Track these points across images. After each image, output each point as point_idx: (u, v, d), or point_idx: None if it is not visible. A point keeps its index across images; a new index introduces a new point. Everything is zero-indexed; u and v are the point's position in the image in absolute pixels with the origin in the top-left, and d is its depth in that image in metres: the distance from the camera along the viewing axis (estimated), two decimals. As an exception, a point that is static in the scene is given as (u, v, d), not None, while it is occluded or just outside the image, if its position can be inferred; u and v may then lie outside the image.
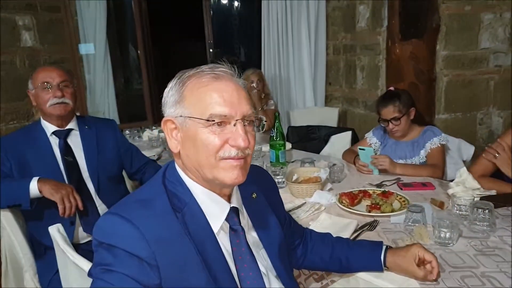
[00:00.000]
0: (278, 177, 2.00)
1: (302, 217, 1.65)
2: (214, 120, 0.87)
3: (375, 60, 3.28)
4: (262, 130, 0.99)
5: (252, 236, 1.02)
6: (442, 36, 2.93)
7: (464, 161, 2.39)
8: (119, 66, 4.63)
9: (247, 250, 0.96)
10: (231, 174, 0.90)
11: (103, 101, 4.09)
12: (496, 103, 3.11)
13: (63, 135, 1.90)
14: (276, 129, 2.29)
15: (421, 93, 3.03)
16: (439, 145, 2.15)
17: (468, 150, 2.37)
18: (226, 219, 0.95)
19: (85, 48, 4.00)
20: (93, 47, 3.98)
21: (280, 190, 1.95)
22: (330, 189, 1.95)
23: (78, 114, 2.06)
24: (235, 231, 0.96)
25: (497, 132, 3.17)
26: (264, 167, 2.15)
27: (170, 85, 0.95)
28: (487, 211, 1.47)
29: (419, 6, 2.89)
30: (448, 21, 2.91)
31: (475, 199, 1.68)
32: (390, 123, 2.19)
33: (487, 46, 2.99)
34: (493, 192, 1.74)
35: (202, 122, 0.87)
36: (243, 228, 0.97)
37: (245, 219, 1.02)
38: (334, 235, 1.46)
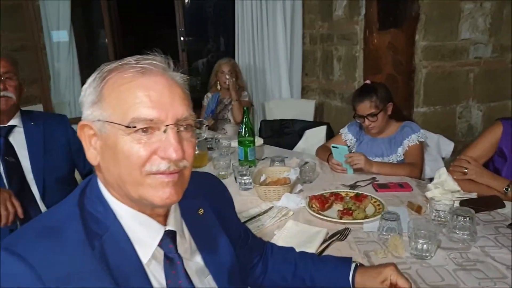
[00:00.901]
0: (245, 177, 1.83)
1: (267, 224, 1.49)
2: (136, 126, 0.69)
3: (353, 51, 3.13)
4: (204, 136, 0.81)
5: (195, 262, 0.85)
6: (422, 25, 2.79)
7: (443, 158, 2.27)
8: (86, 54, 4.36)
9: (185, 282, 0.79)
10: (162, 192, 0.73)
11: (69, 92, 3.83)
12: (476, 96, 3.01)
13: (3, 133, 1.72)
14: (245, 125, 2.12)
15: (400, 85, 2.90)
16: (417, 142, 2.03)
17: (448, 146, 2.26)
18: (160, 245, 0.78)
19: (57, 36, 3.73)
20: (67, 34, 3.71)
21: (246, 193, 1.84)
22: (301, 191, 1.80)
23: (23, 109, 1.86)
24: (171, 260, 0.79)
25: (476, 126, 3.08)
26: (231, 166, 1.99)
27: (89, 80, 0.76)
28: (467, 218, 1.35)
29: (397, -6, 2.74)
30: (427, 10, 2.77)
31: (455, 203, 1.56)
32: (366, 119, 2.05)
33: (467, 37, 2.87)
34: (474, 195, 1.63)
35: (123, 128, 0.70)
36: (180, 256, 0.80)
37: (187, 242, 0.85)
38: (301, 246, 1.32)
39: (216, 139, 2.52)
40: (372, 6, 2.79)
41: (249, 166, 1.94)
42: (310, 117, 3.50)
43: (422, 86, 2.91)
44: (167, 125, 0.71)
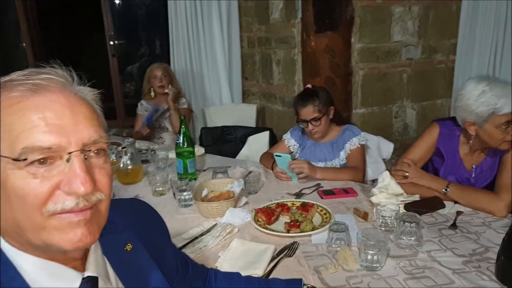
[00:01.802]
0: (184, 193, 1.70)
1: (210, 245, 1.38)
2: (26, 159, 0.55)
3: (291, 54, 3.11)
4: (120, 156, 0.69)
5: (123, 308, 0.72)
6: (357, 28, 2.84)
7: (384, 159, 2.30)
8: (2, 63, 3.94)
9: None
10: (71, 235, 0.59)
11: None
12: (410, 96, 3.12)
13: None
14: (183, 134, 1.98)
15: (338, 87, 2.92)
16: (359, 146, 2.03)
17: (388, 147, 2.29)
18: None
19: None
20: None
21: (187, 210, 1.71)
22: (246, 203, 1.71)
23: None
24: (90, 312, 0.65)
25: (412, 125, 3.19)
26: (169, 182, 1.84)
27: None
28: (413, 224, 1.34)
29: (332, -3, 2.76)
30: (361, 13, 2.82)
31: (400, 206, 1.55)
32: (309, 124, 2.02)
33: (398, 39, 2.97)
34: (416, 197, 1.64)
35: (11, 162, 0.55)
36: None
37: (112, 287, 0.72)
38: (248, 267, 1.23)
39: (152, 150, 2.35)
40: (308, 9, 2.78)
41: (190, 180, 1.81)
42: (252, 122, 3.43)
43: (360, 87, 2.96)
44: (70, 153, 0.58)
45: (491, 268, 1.18)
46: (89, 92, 0.66)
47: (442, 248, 1.31)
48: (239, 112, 3.48)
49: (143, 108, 3.05)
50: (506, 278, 1.10)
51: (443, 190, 1.62)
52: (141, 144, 2.53)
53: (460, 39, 3.01)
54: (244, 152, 2.63)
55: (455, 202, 1.61)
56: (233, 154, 2.57)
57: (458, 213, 1.54)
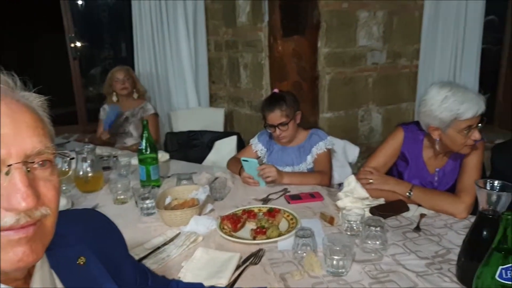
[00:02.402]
0: (147, 201, 1.64)
1: (173, 255, 1.33)
2: None
3: (258, 58, 3.10)
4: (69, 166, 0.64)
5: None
6: (323, 33, 2.85)
7: (350, 163, 2.32)
8: None
9: None
10: (11, 254, 0.54)
11: None
12: (375, 100, 3.17)
13: None
14: (146, 140, 1.92)
15: (305, 92, 2.93)
16: (325, 150, 2.03)
17: (354, 151, 2.31)
18: None
19: None
20: None
21: (149, 219, 1.64)
22: (211, 210, 1.66)
23: None
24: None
25: (377, 128, 3.24)
26: (130, 190, 1.77)
27: None
28: (378, 228, 1.34)
29: (299, 1, 2.76)
30: (327, 18, 2.84)
31: (365, 210, 1.56)
32: (277, 129, 2.00)
33: (364, 44, 3.01)
34: (382, 201, 1.65)
35: None
36: None
37: None
38: (212, 277, 1.19)
39: (114, 156, 2.26)
40: (275, 13, 2.78)
41: (153, 187, 1.75)
42: (220, 126, 3.39)
43: (326, 92, 2.97)
44: (9, 165, 0.53)
45: (452, 269, 1.20)
46: (34, 99, 0.61)
47: (406, 251, 1.32)
48: (207, 116, 3.43)
49: (106, 113, 2.95)
50: (466, 279, 1.11)
51: (407, 193, 1.63)
52: (103, 150, 2.44)
53: (423, 44, 3.09)
54: (211, 157, 2.58)
55: (419, 205, 1.63)
56: (200, 159, 2.52)
57: (422, 215, 1.56)
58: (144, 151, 1.90)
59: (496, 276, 0.82)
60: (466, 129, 1.51)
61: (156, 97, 3.46)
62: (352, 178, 1.69)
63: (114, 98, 2.97)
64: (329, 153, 2.07)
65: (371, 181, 1.70)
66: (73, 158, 1.81)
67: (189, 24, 3.38)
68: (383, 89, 3.17)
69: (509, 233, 0.82)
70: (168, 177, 2.10)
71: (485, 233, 1.07)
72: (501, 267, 0.82)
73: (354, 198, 1.62)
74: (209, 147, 2.71)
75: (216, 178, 1.96)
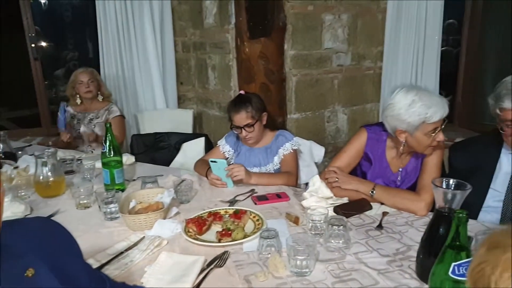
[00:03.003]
0: (111, 205, 1.61)
1: (137, 260, 1.31)
2: None
3: (226, 59, 3.09)
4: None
5: None
6: (289, 35, 2.89)
7: (316, 163, 2.35)
8: None
9: None
10: None
11: None
12: (341, 101, 3.23)
13: None
14: (109, 143, 1.88)
15: (273, 93, 2.95)
16: (292, 151, 2.05)
17: (319, 151, 2.35)
18: None
19: None
20: None
21: (113, 223, 1.61)
22: (177, 214, 1.64)
23: None
24: None
25: (343, 129, 3.31)
26: (94, 194, 1.73)
27: None
28: (341, 227, 1.36)
29: (265, 4, 2.78)
30: (293, 20, 2.87)
31: (329, 210, 1.58)
32: (243, 130, 2.01)
33: (329, 46, 3.06)
34: (345, 200, 1.68)
35: None
36: None
37: None
38: (176, 281, 1.18)
39: (78, 160, 2.20)
40: (241, 15, 2.78)
41: (117, 191, 1.71)
42: (189, 127, 3.36)
43: (293, 93, 3.01)
44: None
45: (412, 266, 1.23)
46: None
47: (368, 249, 1.35)
48: (175, 117, 3.39)
49: (69, 115, 2.87)
50: (425, 275, 1.15)
51: (370, 192, 1.67)
52: (66, 154, 2.37)
53: (386, 47, 3.18)
54: (178, 159, 2.56)
55: (382, 204, 1.68)
56: (167, 162, 2.49)
57: (384, 213, 1.60)
58: (107, 154, 1.86)
59: (449, 273, 0.85)
60: (432, 131, 1.56)
61: (122, 99, 3.39)
62: (316, 178, 1.71)
63: (78, 101, 2.89)
64: (296, 153, 2.09)
65: (336, 179, 1.73)
66: (17, 167, 1.75)
67: (155, 25, 3.33)
68: (348, 90, 3.24)
69: (461, 231, 0.86)
70: (134, 180, 2.06)
71: (441, 230, 1.11)
72: (453, 263, 0.85)
73: (318, 198, 1.65)
74: (176, 149, 2.69)
75: (182, 181, 1.94)
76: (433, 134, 1.57)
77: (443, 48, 3.16)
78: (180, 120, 3.37)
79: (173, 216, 1.62)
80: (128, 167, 2.20)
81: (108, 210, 1.60)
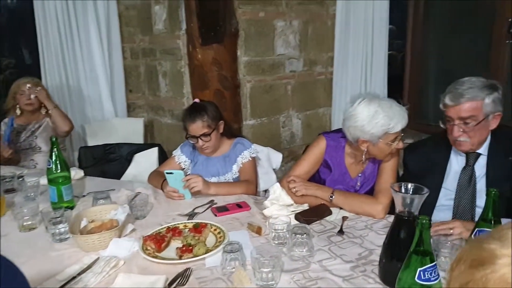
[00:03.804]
0: (59, 226, 1.49)
1: (92, 284, 1.21)
2: None
3: (177, 66, 3.02)
4: None
5: None
6: (242, 41, 2.87)
7: (274, 169, 2.34)
8: None
9: None
10: None
11: None
12: (294, 106, 3.27)
13: None
14: (56, 157, 1.75)
15: (227, 100, 2.92)
16: (250, 158, 2.03)
17: (277, 157, 2.34)
18: None
19: None
20: None
21: (63, 245, 1.48)
22: (133, 230, 1.56)
23: None
24: None
25: (298, 133, 3.34)
26: (40, 214, 1.60)
27: None
28: (305, 235, 1.35)
29: (216, 10, 2.74)
30: (246, 27, 2.87)
31: (291, 218, 1.57)
32: (199, 140, 1.95)
33: (282, 52, 3.09)
34: (306, 206, 1.68)
35: None
36: None
37: None
38: (137, 304, 1.11)
39: (19, 177, 2.03)
40: (192, 21, 2.73)
41: (65, 209, 1.60)
42: (139, 137, 3.24)
43: (248, 99, 3.00)
44: None
45: (375, 270, 1.25)
46: None
47: (332, 256, 1.35)
48: (125, 127, 3.26)
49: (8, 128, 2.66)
50: (388, 279, 1.16)
51: (329, 197, 1.69)
52: (5, 171, 2.18)
53: (336, 52, 3.25)
54: (130, 171, 2.45)
55: (341, 208, 1.69)
56: (118, 174, 2.37)
57: (344, 218, 1.62)
58: (54, 169, 1.73)
59: (416, 278, 0.86)
60: (393, 141, 1.61)
61: (67, 109, 3.19)
62: (277, 186, 1.70)
63: (18, 112, 2.69)
64: (254, 161, 2.07)
65: (294, 189, 1.73)
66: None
67: (101, 32, 3.19)
68: (301, 96, 3.28)
69: (424, 236, 0.87)
70: (84, 196, 1.94)
71: (402, 234, 1.13)
72: (419, 269, 0.86)
73: (280, 206, 1.64)
74: (128, 161, 2.57)
75: (136, 195, 1.85)
76: (394, 143, 1.61)
77: (388, 53, 3.29)
78: (130, 130, 3.25)
79: (129, 233, 1.53)
80: (76, 182, 2.07)
81: (57, 231, 1.48)
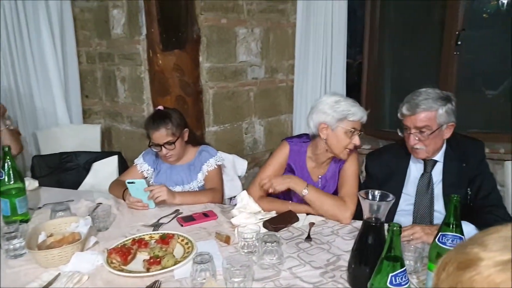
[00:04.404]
0: (14, 241, 1.40)
1: (53, 303, 1.15)
2: None
3: (137, 71, 2.94)
4: None
5: None
6: (204, 47, 2.86)
7: (239, 176, 2.34)
8: None
9: None
10: None
11: None
12: (257, 113, 3.29)
13: None
14: (9, 168, 1.64)
15: (189, 106, 2.88)
16: (216, 166, 2.01)
17: (242, 165, 2.34)
18: None
19: None
20: None
21: (18, 262, 1.38)
22: (96, 243, 1.49)
23: None
24: None
25: (260, 140, 3.36)
26: (-8, 229, 1.49)
27: None
28: (274, 243, 1.36)
29: (178, 15, 2.71)
30: (207, 33, 2.85)
31: (260, 225, 1.57)
32: (163, 148, 1.91)
33: (244, 59, 3.10)
34: (274, 213, 1.69)
35: None
36: None
37: None
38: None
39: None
40: (153, 26, 2.67)
41: (20, 223, 1.50)
42: (96, 144, 3.12)
43: (211, 106, 2.98)
44: None
45: (344, 276, 1.28)
46: None
47: (301, 263, 1.37)
48: (81, 133, 3.12)
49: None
50: (357, 284, 1.19)
51: (304, 190, 1.68)
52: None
53: (297, 60, 3.32)
54: (88, 181, 2.35)
55: (307, 214, 1.72)
56: (76, 184, 2.27)
57: (311, 224, 1.64)
58: (6, 181, 1.62)
59: (388, 283, 0.89)
60: (351, 130, 1.66)
61: (17, 116, 3.01)
62: (244, 193, 1.70)
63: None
64: (220, 169, 2.06)
65: (271, 186, 1.72)
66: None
67: (55, 35, 3.04)
68: (263, 103, 3.31)
69: (395, 242, 0.90)
70: (39, 208, 1.83)
71: (370, 239, 1.16)
72: (391, 274, 0.89)
73: (247, 214, 1.63)
74: (86, 170, 2.46)
75: (98, 206, 1.78)
76: (351, 135, 1.66)
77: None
78: (87, 137, 3.12)
79: (92, 246, 1.47)
80: (31, 193, 1.96)
81: (11, 246, 1.39)
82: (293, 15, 3.28)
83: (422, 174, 1.74)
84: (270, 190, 1.74)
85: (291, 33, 3.32)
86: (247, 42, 3.09)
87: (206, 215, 1.73)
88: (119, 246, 1.42)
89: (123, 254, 1.36)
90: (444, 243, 1.04)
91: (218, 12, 2.89)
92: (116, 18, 2.99)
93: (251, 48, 3.12)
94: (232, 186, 2.26)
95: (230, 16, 2.95)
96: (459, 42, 2.95)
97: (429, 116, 1.60)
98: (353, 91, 3.52)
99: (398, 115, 1.69)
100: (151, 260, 1.32)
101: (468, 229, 1.44)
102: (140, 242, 1.45)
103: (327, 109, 1.67)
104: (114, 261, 1.34)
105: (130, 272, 1.30)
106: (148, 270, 1.30)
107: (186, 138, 2.00)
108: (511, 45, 3.06)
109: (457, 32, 2.94)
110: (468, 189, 1.65)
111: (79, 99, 3.34)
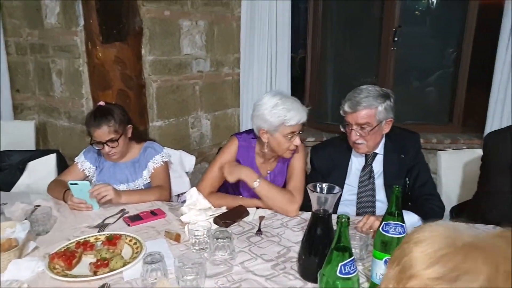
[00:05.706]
0: None
1: (-10, 317, 1.07)
2: None
3: (75, 64, 2.77)
4: None
5: None
6: (146, 40, 2.76)
7: (187, 173, 2.31)
8: None
9: None
10: None
11: None
12: (203, 107, 3.25)
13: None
14: None
15: (132, 100, 2.78)
16: (162, 163, 1.97)
17: (190, 160, 2.31)
18: None
19: None
20: None
21: None
22: (35, 248, 1.41)
23: None
24: None
25: (207, 134, 3.33)
26: None
27: None
28: (226, 239, 1.37)
29: (118, 6, 2.59)
30: (150, 25, 2.76)
31: (210, 222, 1.57)
32: (106, 146, 1.83)
33: (188, 52, 3.04)
34: (224, 209, 1.69)
35: None
36: None
37: None
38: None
39: None
40: (91, 17, 2.53)
41: None
42: (30, 142, 2.91)
43: (155, 100, 2.90)
44: None
45: (294, 267, 1.31)
46: None
47: (253, 256, 1.39)
48: (12, 131, 2.89)
49: None
50: (308, 274, 1.24)
51: (256, 181, 1.68)
52: None
53: (242, 54, 3.31)
54: (23, 181, 2.19)
55: (257, 208, 1.74)
56: (8, 185, 2.11)
57: (261, 218, 1.67)
58: None
59: (337, 272, 0.93)
60: (290, 134, 1.69)
61: None
62: (194, 190, 1.68)
63: None
64: (167, 166, 2.01)
65: (225, 173, 1.71)
66: None
67: (-21, 22, 2.79)
68: (209, 96, 3.28)
69: (344, 233, 0.94)
70: (-32, 214, 1.68)
71: (319, 230, 1.21)
72: (340, 264, 0.93)
73: (198, 211, 1.62)
74: (20, 170, 2.30)
75: (36, 208, 1.67)
76: (291, 138, 1.70)
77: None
78: (19, 134, 2.89)
79: (31, 252, 1.38)
80: (-44, 198, 1.79)
81: None
82: (237, 9, 3.27)
83: (364, 166, 1.82)
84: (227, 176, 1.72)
85: (236, 27, 3.31)
86: (191, 34, 3.03)
87: (154, 214, 1.69)
88: (62, 250, 1.35)
89: (67, 258, 1.29)
90: (388, 231, 1.10)
91: (161, 3, 2.81)
92: (49, 7, 2.80)
93: (195, 41, 3.07)
94: (179, 182, 2.23)
95: (173, 8, 2.88)
96: (396, 38, 3.11)
97: (369, 114, 1.68)
98: (297, 84, 3.60)
99: (341, 112, 1.75)
100: (98, 263, 1.28)
101: (414, 219, 1.54)
102: (85, 245, 1.39)
103: (265, 115, 1.66)
104: (57, 266, 1.27)
105: (75, 276, 1.24)
106: (95, 273, 1.25)
107: (129, 134, 1.93)
108: (441, 41, 3.30)
109: (394, 29, 3.11)
110: (407, 178, 1.76)
111: (9, 93, 3.09)
